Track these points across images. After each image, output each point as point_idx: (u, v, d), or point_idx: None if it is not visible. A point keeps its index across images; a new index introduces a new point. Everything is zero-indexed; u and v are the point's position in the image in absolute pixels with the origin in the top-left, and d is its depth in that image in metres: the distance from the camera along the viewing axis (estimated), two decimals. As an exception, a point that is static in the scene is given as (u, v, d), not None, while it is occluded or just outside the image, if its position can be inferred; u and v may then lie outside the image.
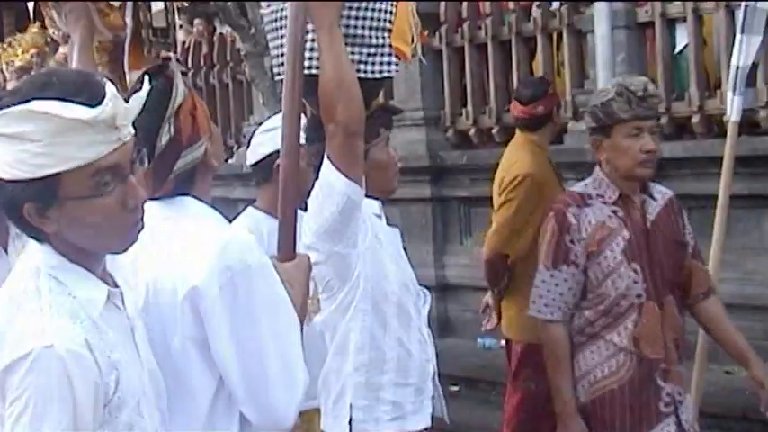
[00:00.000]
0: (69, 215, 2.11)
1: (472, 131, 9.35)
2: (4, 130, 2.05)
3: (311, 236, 3.50)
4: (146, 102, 2.50)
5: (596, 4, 4.92)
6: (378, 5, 3.51)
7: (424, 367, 3.78)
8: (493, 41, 9.23)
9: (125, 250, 2.27)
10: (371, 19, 3.51)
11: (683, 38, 8.14)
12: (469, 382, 7.81)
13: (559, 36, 8.91)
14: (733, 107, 5.30)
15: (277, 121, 4.34)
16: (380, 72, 3.57)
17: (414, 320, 3.76)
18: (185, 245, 2.50)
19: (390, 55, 3.58)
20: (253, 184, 4.64)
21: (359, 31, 3.49)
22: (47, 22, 4.19)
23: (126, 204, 2.14)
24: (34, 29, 9.72)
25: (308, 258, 2.98)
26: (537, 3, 8.99)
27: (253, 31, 9.27)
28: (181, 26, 11.80)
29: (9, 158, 2.06)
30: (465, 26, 9.39)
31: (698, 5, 7.84)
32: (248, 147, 4.51)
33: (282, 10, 3.50)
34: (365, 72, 3.50)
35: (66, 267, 2.17)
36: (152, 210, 2.60)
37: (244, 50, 9.59)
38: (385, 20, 3.55)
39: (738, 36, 5.25)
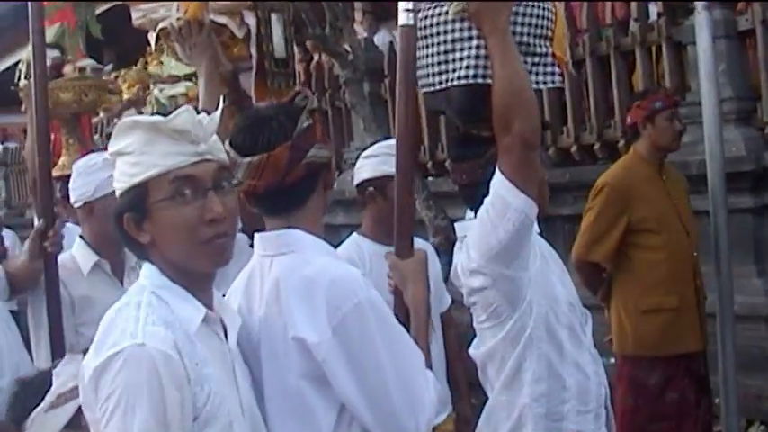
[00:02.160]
0: (157, 223, 2.31)
1: (574, 149, 9.26)
2: (115, 148, 2.35)
3: (478, 258, 3.35)
4: (281, 108, 2.66)
5: (696, 14, 4.84)
6: (541, 12, 3.38)
7: (600, 390, 3.60)
8: (591, 57, 9.15)
9: (214, 268, 2.41)
10: (536, 26, 3.39)
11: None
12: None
13: (658, 49, 8.81)
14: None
15: (378, 148, 4.40)
16: (545, 83, 3.45)
17: (584, 341, 3.60)
18: (294, 286, 2.52)
19: (554, 65, 3.45)
20: (356, 210, 4.70)
21: (524, 39, 3.35)
22: (154, 57, 4.25)
23: (203, 216, 2.30)
24: (138, 66, 9.94)
25: (425, 254, 2.95)
26: (634, 16, 8.90)
27: (351, 57, 9.33)
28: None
29: (117, 173, 2.37)
30: (562, 43, 9.32)
31: (799, 9, 7.71)
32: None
33: (431, 17, 3.39)
34: (531, 83, 3.32)
35: (169, 287, 2.34)
36: (261, 244, 2.66)
37: (343, 77, 9.66)
38: (547, 27, 3.42)
39: None
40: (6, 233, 5.91)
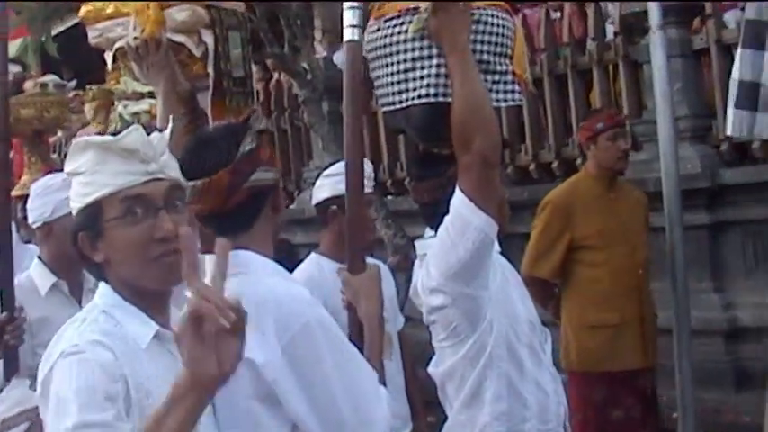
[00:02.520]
0: (110, 242, 2.31)
1: (532, 167, 9.33)
2: (69, 168, 2.35)
3: (439, 276, 3.31)
4: (226, 131, 2.66)
5: (651, 33, 4.89)
6: (500, 30, 3.35)
7: (559, 410, 3.59)
8: (549, 76, 9.23)
9: (165, 286, 2.38)
10: (496, 44, 3.34)
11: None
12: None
13: (615, 67, 8.90)
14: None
15: (338, 167, 4.39)
16: (505, 101, 3.38)
17: (543, 360, 3.58)
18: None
19: (514, 83, 3.40)
20: (314, 230, 4.66)
21: (484, 57, 3.31)
22: (112, 76, 4.20)
23: (153, 235, 2.29)
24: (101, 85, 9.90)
25: (379, 270, 2.93)
26: (591, 35, 8.99)
27: (310, 76, 9.34)
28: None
29: (72, 193, 2.36)
30: (520, 62, 9.38)
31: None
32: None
33: (391, 35, 3.36)
34: (490, 101, 3.28)
35: (121, 305, 2.33)
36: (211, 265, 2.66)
37: (302, 96, 9.67)
38: (507, 45, 3.38)
39: None
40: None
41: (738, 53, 5.10)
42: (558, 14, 9.74)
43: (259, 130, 2.62)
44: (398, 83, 3.33)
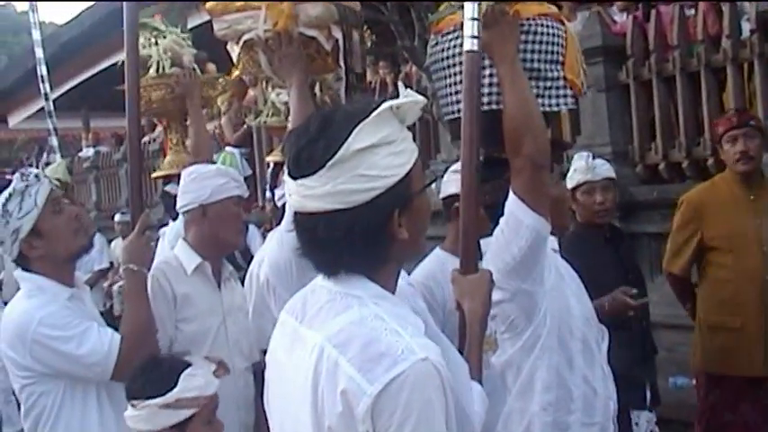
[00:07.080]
0: (413, 214, 2.19)
1: (662, 166, 9.17)
2: (374, 139, 2.12)
3: (496, 273, 3.34)
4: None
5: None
6: (550, 39, 3.55)
7: (608, 405, 3.68)
8: (681, 74, 9.07)
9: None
10: (545, 52, 3.54)
11: None
12: (665, 424, 7.60)
13: (750, 66, 8.71)
14: None
15: None
16: (557, 105, 3.57)
17: (596, 357, 3.68)
18: None
19: (565, 87, 3.59)
20: (440, 222, 4.64)
21: (535, 65, 3.51)
22: (243, 65, 4.27)
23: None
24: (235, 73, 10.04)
25: (490, 274, 3.02)
26: (726, 33, 8.80)
27: (439, 69, 9.34)
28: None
29: (377, 171, 2.11)
30: (652, 59, 9.26)
31: None
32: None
33: (448, 49, 3.57)
34: (543, 105, 3.49)
35: (384, 296, 2.19)
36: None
37: (431, 89, 9.67)
38: (557, 53, 3.58)
39: None
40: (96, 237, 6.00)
41: None
42: (693, 11, 9.57)
43: None
44: (457, 93, 3.53)
